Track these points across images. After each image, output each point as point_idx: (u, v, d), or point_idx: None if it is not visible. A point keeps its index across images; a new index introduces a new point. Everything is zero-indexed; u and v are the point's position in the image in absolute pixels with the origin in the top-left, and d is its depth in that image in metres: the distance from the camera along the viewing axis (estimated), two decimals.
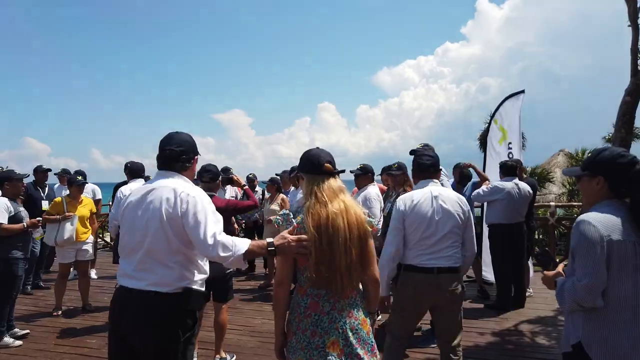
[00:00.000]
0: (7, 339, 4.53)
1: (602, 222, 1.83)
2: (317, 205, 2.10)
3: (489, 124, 7.04)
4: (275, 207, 6.59)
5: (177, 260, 2.18)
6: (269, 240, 2.12)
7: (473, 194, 5.69)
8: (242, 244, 2.13)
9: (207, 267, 2.33)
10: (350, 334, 2.06)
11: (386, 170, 5.53)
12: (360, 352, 2.07)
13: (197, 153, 2.40)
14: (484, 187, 5.54)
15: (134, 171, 5.23)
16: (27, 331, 4.80)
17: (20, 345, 4.53)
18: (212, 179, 3.96)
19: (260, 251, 2.16)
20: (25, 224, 4.59)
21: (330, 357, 2.02)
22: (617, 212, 1.87)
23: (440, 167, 4.34)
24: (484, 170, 6.62)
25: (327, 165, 2.18)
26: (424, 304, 3.10)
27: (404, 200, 3.11)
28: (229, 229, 4.16)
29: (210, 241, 2.10)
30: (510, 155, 6.41)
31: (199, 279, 2.27)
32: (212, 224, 2.14)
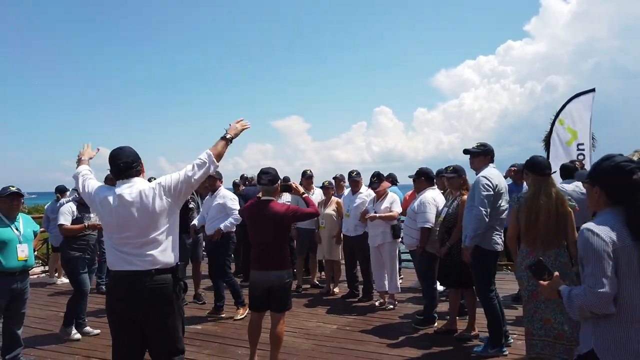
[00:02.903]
0: (73, 331, 4.92)
1: (604, 230, 1.88)
2: (533, 195, 3.55)
3: (552, 124, 6.72)
4: (330, 211, 6.60)
5: (166, 241, 2.77)
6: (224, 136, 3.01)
7: None
8: (206, 154, 2.89)
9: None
10: (558, 269, 3.16)
11: (441, 174, 5.43)
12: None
13: (140, 160, 2.89)
14: None
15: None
16: (98, 331, 5.08)
17: (85, 339, 4.85)
18: (270, 182, 3.84)
19: (222, 147, 2.98)
20: (86, 224, 4.94)
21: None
22: (616, 219, 1.91)
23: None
24: None
25: (547, 170, 3.66)
26: None
27: None
28: (288, 236, 4.12)
29: (190, 168, 2.83)
30: (581, 157, 6.09)
31: (177, 254, 2.88)
32: (178, 173, 2.84)
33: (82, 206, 5.02)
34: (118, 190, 2.76)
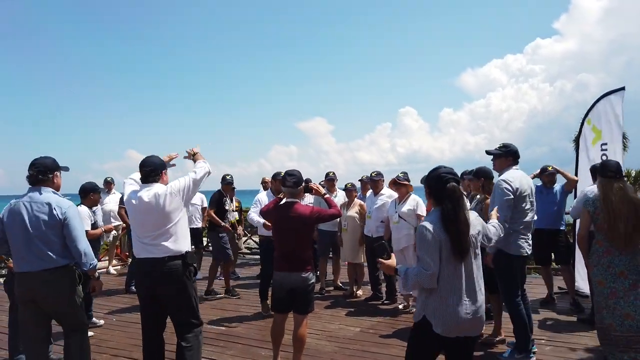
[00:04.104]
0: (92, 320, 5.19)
1: (432, 226, 2.51)
2: (607, 195, 3.53)
3: (582, 124, 6.55)
4: (352, 213, 6.57)
5: (176, 233, 3.41)
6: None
7: (572, 210, 5.31)
8: (204, 161, 3.70)
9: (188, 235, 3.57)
10: (633, 269, 3.45)
11: (463, 176, 5.37)
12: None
13: (164, 168, 3.54)
14: (578, 199, 5.15)
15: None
16: (103, 322, 5.42)
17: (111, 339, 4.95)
18: (295, 184, 3.89)
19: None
20: (102, 228, 5.12)
21: (620, 279, 3.46)
22: (439, 217, 2.54)
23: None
24: (576, 174, 6.17)
25: (610, 172, 3.64)
26: None
27: None
28: (312, 237, 4.12)
29: (194, 173, 3.56)
30: (605, 157, 5.91)
31: (188, 243, 3.53)
32: (185, 177, 3.54)
33: (90, 209, 5.16)
34: (139, 193, 3.40)
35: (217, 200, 7.06)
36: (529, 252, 4.19)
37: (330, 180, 7.08)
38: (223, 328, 5.29)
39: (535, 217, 4.25)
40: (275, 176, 5.88)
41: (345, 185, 6.81)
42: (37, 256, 3.28)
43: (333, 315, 5.77)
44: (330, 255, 7.34)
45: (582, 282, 6.01)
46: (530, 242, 4.18)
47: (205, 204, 8.47)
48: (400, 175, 5.78)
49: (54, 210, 3.29)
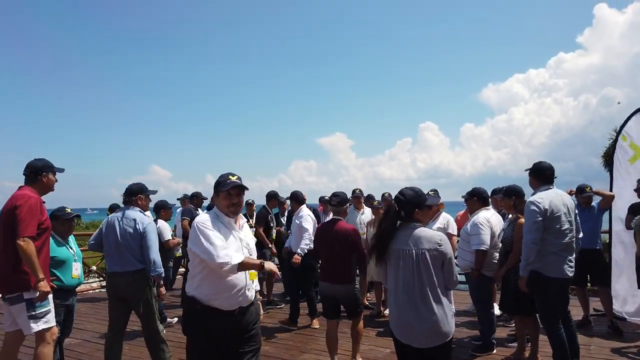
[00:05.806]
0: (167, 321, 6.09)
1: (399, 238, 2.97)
2: None
3: (615, 140, 6.35)
4: None
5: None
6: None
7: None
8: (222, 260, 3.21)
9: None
10: None
11: (495, 194, 5.25)
12: None
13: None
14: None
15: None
16: (175, 319, 6.32)
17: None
18: (339, 203, 4.53)
19: (250, 266, 2.99)
20: (179, 239, 6.56)
21: None
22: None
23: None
24: (610, 191, 5.99)
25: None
26: None
27: None
28: (352, 253, 4.39)
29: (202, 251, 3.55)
30: None
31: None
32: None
33: None
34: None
35: (264, 218, 7.22)
36: (570, 275, 3.94)
37: (357, 198, 7.01)
38: None
39: (581, 235, 4.08)
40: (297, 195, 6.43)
41: (372, 203, 6.72)
42: (123, 260, 4.15)
43: (363, 335, 5.65)
44: (357, 274, 7.25)
45: (619, 304, 5.78)
46: (573, 264, 3.95)
47: None
48: (430, 193, 5.62)
49: (137, 225, 4.16)
